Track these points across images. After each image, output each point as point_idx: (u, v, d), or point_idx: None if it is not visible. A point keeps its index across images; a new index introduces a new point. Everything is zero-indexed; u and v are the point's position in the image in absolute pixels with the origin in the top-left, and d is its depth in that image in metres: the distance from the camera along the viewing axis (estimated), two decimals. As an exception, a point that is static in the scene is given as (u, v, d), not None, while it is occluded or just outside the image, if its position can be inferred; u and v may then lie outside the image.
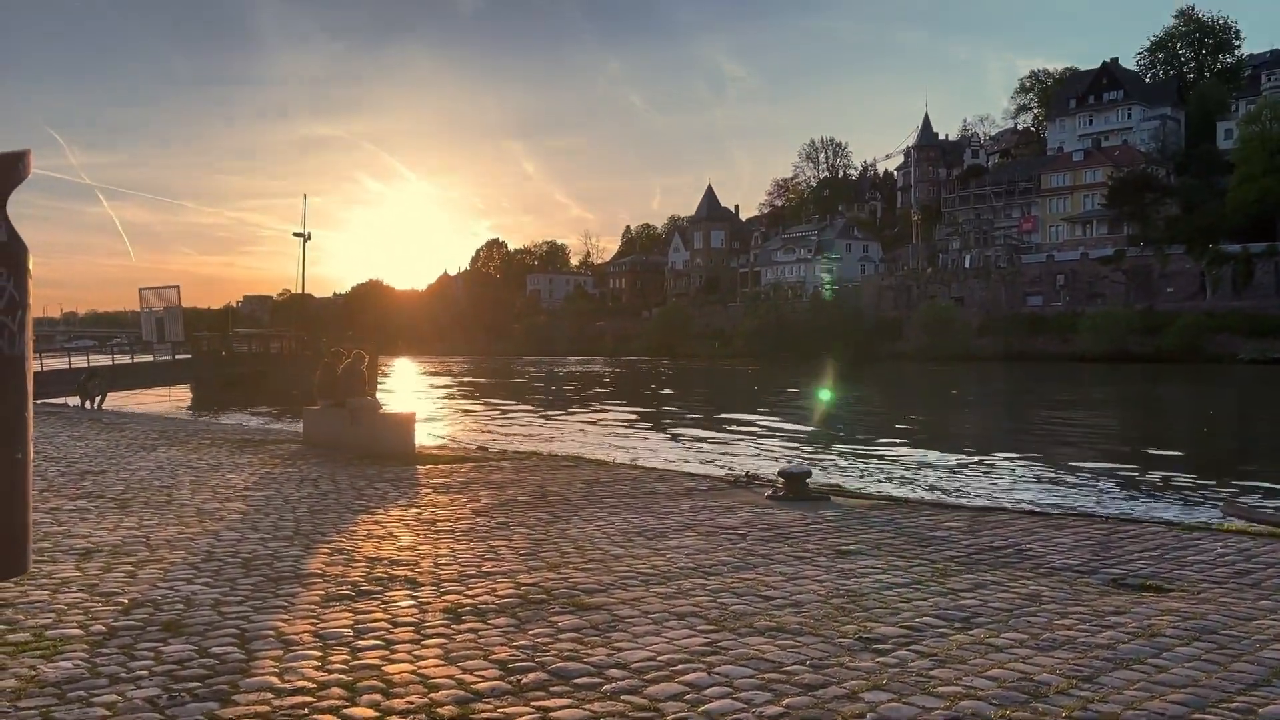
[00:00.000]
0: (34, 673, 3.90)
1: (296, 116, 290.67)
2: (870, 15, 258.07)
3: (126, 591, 5.39)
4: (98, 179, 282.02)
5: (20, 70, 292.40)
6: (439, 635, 4.62)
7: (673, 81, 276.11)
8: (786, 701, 3.74)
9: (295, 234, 57.00)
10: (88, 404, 29.17)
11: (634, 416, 32.81)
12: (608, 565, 6.37)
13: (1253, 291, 75.59)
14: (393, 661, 4.19)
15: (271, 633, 4.58)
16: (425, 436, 18.74)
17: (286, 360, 43.46)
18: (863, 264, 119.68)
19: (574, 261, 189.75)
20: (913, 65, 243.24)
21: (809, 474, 10.45)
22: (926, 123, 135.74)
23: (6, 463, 2.45)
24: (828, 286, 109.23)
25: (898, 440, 23.73)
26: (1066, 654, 4.44)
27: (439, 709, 3.61)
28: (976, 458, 19.67)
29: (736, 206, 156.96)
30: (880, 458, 20.15)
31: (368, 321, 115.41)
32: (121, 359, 43.67)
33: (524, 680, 3.95)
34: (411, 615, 4.99)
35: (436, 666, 4.13)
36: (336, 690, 3.79)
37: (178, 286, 47.76)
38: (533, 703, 3.69)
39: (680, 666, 4.17)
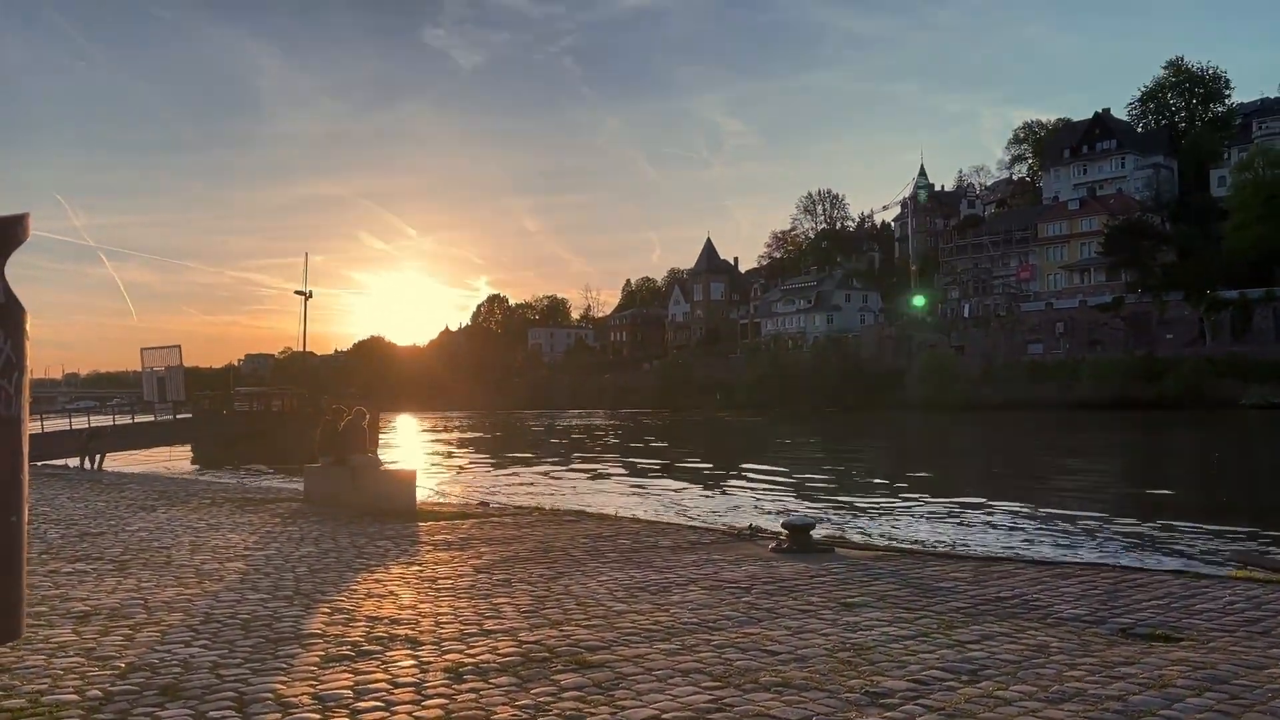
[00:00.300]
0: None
1: (298, 176, 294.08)
2: (864, 70, 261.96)
3: (124, 655, 5.32)
4: (100, 240, 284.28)
5: (25, 133, 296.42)
6: (440, 695, 4.55)
7: (671, 137, 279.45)
8: (793, 759, 3.68)
9: (297, 292, 57.26)
10: (88, 463, 29.09)
11: (636, 469, 32.66)
12: (611, 621, 6.30)
13: (1252, 337, 75.75)
14: (393, 723, 4.12)
15: (270, 695, 4.51)
16: (426, 493, 18.65)
17: (288, 418, 43.37)
18: (862, 314, 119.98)
19: (575, 315, 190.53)
20: (907, 118, 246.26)
21: (813, 526, 10.37)
22: (922, 174, 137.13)
23: (1, 526, 2.43)
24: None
25: (902, 490, 23.60)
26: (1077, 706, 4.37)
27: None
28: (981, 507, 19.55)
29: (736, 259, 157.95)
30: (884, 508, 20.02)
31: (369, 378, 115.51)
32: (122, 419, 43.64)
33: (526, 741, 3.89)
34: (412, 675, 4.93)
35: (437, 728, 4.06)
36: (335, 754, 3.73)
37: (179, 346, 48.10)
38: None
39: (684, 725, 4.10)
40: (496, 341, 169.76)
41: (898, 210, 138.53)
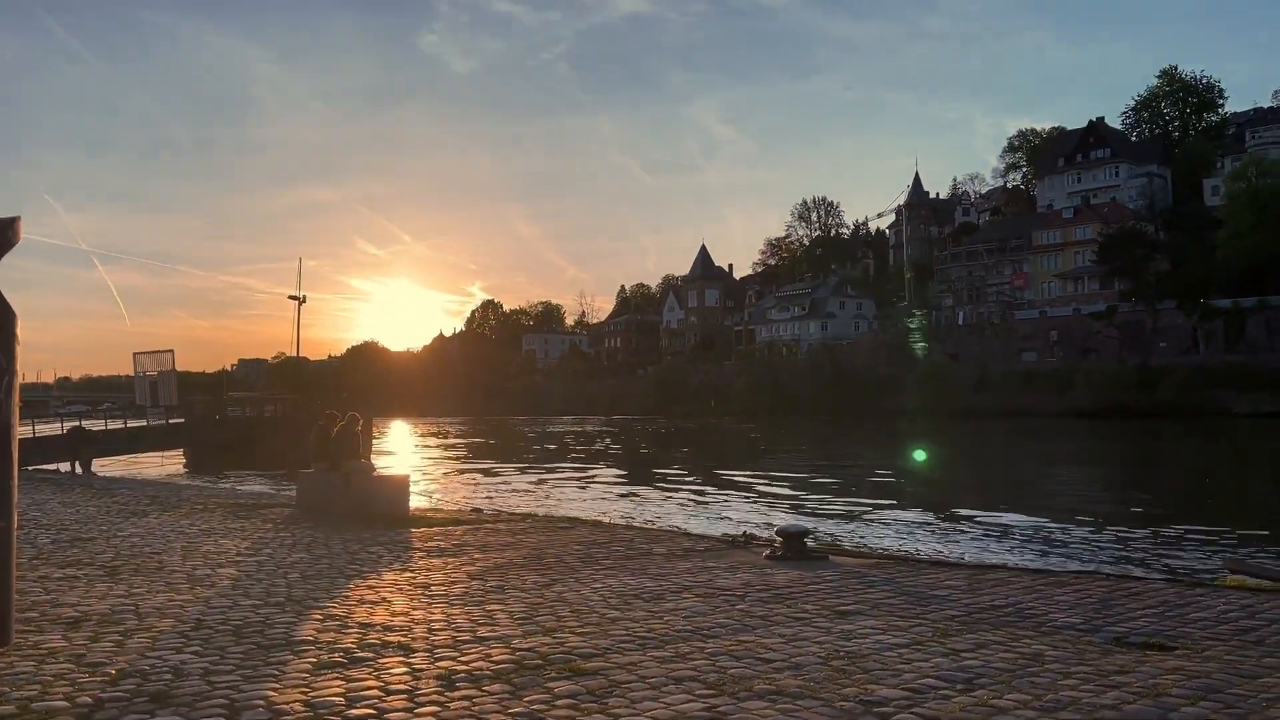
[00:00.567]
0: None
1: (292, 181, 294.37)
2: (859, 78, 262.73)
3: (114, 661, 5.28)
4: (93, 244, 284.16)
5: (18, 136, 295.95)
6: (432, 703, 4.53)
7: (666, 144, 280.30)
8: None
9: (290, 297, 57.13)
10: (78, 467, 28.95)
11: (629, 476, 32.62)
12: (604, 629, 6.28)
13: (1245, 345, 75.94)
14: (385, 731, 4.10)
15: (261, 703, 4.48)
16: (420, 499, 18.61)
17: (280, 424, 43.22)
18: (857, 321, 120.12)
19: (569, 321, 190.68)
20: (902, 126, 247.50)
21: (807, 533, 10.37)
22: (917, 182, 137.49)
23: (-10, 532, 2.41)
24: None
25: (896, 497, 23.59)
26: (1071, 715, 4.36)
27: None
28: (975, 515, 19.55)
29: (730, 265, 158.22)
30: (878, 515, 20.01)
31: (363, 383, 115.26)
32: (114, 423, 43.43)
33: (519, 749, 3.86)
34: (404, 683, 4.90)
35: (429, 736, 4.04)
36: (326, 762, 3.70)
37: (172, 351, 47.98)
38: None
39: (678, 733, 4.08)
40: (491, 348, 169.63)
41: (892, 218, 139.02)
